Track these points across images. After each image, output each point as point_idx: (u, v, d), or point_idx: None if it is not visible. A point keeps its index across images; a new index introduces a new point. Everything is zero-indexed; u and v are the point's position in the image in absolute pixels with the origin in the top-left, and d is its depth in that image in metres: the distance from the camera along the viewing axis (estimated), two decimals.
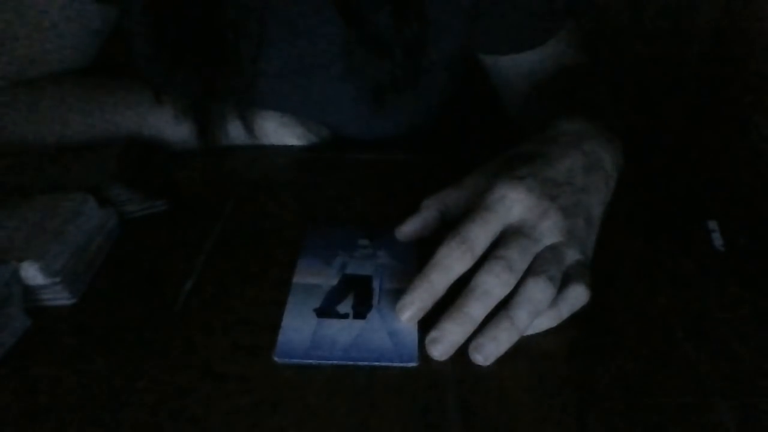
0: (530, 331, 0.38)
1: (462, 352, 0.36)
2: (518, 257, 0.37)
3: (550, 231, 0.39)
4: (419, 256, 0.42)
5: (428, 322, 0.37)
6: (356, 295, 0.41)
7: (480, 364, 0.36)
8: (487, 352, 0.36)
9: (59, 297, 0.40)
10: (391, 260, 0.43)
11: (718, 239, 0.46)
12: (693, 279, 0.43)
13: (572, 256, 0.39)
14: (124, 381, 0.35)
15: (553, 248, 0.38)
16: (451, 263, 0.37)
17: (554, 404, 0.35)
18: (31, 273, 0.39)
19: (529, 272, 0.37)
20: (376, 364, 0.36)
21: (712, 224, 0.47)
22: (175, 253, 0.44)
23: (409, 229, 0.44)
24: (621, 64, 0.97)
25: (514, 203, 0.39)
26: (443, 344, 0.36)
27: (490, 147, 0.47)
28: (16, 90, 0.57)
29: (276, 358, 0.36)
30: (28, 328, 0.38)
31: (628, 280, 0.43)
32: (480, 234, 0.38)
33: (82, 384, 0.35)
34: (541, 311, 0.37)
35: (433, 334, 0.36)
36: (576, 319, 0.39)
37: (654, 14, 0.98)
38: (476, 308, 0.36)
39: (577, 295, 0.38)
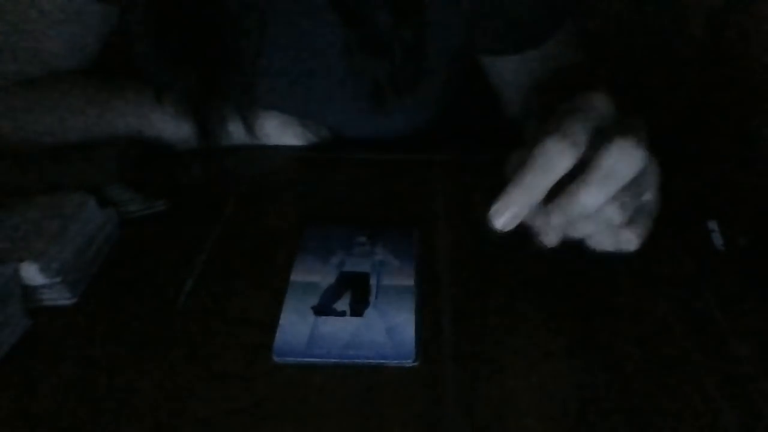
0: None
1: (462, 353, 0.36)
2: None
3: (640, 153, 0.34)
4: (417, 253, 0.42)
5: (427, 321, 0.37)
6: (353, 293, 0.41)
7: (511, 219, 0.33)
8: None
9: (59, 297, 0.40)
10: (388, 257, 0.43)
11: (718, 239, 0.46)
12: (693, 279, 0.43)
13: (648, 196, 0.37)
14: (125, 381, 0.35)
15: (636, 180, 0.35)
16: (552, 161, 0.33)
17: (554, 404, 0.35)
18: (31, 273, 0.39)
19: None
20: (373, 362, 0.36)
21: (712, 224, 0.47)
22: (175, 253, 0.44)
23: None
24: (621, 64, 0.97)
25: (603, 99, 0.36)
26: (506, 215, 0.33)
27: (490, 147, 0.47)
28: (17, 90, 0.57)
29: (274, 357, 0.36)
30: (28, 328, 0.38)
31: (629, 280, 0.43)
32: (581, 130, 0.33)
33: (83, 384, 0.35)
34: (608, 220, 0.34)
35: (496, 206, 0.33)
36: (576, 319, 0.39)
37: (654, 14, 0.98)
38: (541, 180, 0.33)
39: (628, 240, 0.36)
